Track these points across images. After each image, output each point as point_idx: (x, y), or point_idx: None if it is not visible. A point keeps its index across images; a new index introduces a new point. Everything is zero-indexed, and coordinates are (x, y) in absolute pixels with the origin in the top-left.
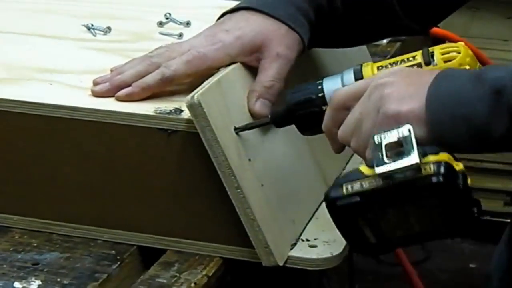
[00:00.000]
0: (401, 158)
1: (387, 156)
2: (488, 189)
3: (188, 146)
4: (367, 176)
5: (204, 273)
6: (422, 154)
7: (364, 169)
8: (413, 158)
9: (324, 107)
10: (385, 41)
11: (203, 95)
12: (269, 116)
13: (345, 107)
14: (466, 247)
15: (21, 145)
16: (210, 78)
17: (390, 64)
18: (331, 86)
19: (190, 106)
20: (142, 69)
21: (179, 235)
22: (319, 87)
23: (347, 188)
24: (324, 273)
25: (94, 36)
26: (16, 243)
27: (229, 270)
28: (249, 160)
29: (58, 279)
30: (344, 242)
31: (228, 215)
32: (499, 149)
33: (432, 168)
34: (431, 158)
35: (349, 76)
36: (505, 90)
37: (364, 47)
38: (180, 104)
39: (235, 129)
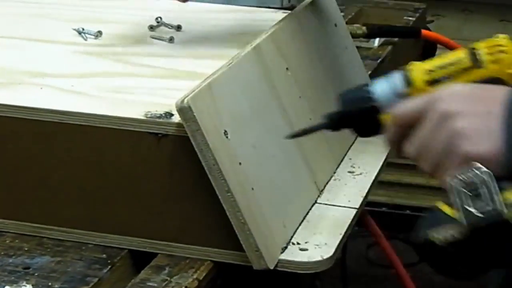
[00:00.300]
0: (485, 204)
1: (468, 202)
2: None
3: (179, 150)
4: (452, 219)
5: (195, 276)
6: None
7: (445, 208)
8: (497, 206)
9: (373, 106)
10: (376, 44)
11: (193, 99)
12: (324, 121)
13: (408, 125)
14: None
15: (12, 149)
16: (200, 82)
17: (439, 68)
18: (381, 90)
19: (180, 110)
20: None
21: (170, 239)
22: (368, 90)
23: (438, 238)
24: (317, 275)
25: (85, 40)
26: (7, 247)
27: (220, 274)
28: (240, 163)
29: (49, 283)
30: (335, 245)
31: (218, 219)
32: None
33: None
34: (508, 195)
35: (399, 80)
36: None
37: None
38: (171, 108)
39: (291, 136)
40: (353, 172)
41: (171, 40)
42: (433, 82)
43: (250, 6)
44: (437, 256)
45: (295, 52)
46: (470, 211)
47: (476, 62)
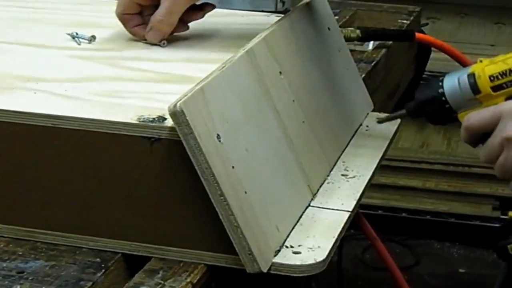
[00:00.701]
0: None
1: None
2: (477, 194)
3: (172, 154)
4: None
5: (188, 280)
6: None
7: None
8: None
9: (443, 98)
10: (370, 47)
11: (185, 103)
12: (405, 110)
13: (479, 133)
14: (455, 252)
15: (5, 154)
16: (193, 86)
17: (501, 74)
18: (449, 84)
19: (173, 114)
20: None
21: (163, 243)
22: (440, 84)
23: None
24: (314, 278)
25: (79, 44)
26: (1, 251)
27: (214, 277)
28: (233, 167)
29: (43, 287)
30: (328, 248)
31: (212, 222)
32: None
33: None
34: None
35: (464, 77)
36: None
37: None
38: (164, 112)
39: (379, 120)
40: (346, 175)
41: (164, 44)
42: (498, 88)
43: (244, 10)
44: None
45: (288, 55)
46: None
47: None
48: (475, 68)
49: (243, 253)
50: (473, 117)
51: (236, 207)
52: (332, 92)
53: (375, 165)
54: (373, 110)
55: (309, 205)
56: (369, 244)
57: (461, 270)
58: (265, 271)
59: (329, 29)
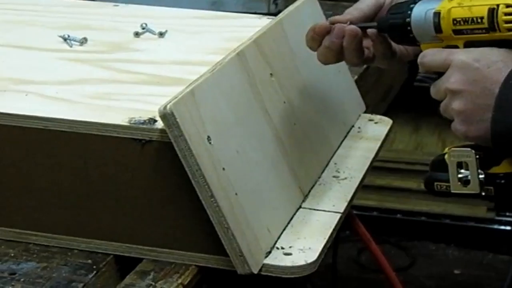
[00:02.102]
0: (467, 182)
1: (458, 168)
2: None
3: (162, 155)
4: (447, 179)
5: (179, 281)
6: (487, 164)
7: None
8: (475, 187)
9: (408, 28)
10: None
11: (176, 105)
12: (376, 23)
13: (428, 70)
14: (450, 253)
15: None
16: (184, 88)
17: (463, 20)
18: (417, 16)
19: (163, 116)
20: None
21: (154, 244)
22: (409, 12)
23: (437, 186)
24: (309, 279)
25: (71, 47)
26: None
27: (205, 279)
28: (223, 169)
29: None
30: (319, 250)
31: (203, 224)
32: None
33: (491, 191)
34: (494, 169)
35: (430, 16)
36: None
37: None
38: (154, 114)
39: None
40: (338, 176)
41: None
42: (458, 32)
43: (237, 11)
44: (435, 194)
45: (279, 57)
46: (456, 178)
47: (492, 24)
48: (442, 5)
49: (234, 255)
50: (427, 57)
51: (226, 209)
52: (323, 94)
53: (366, 167)
54: (366, 112)
55: (300, 206)
56: (364, 246)
57: (456, 271)
58: (256, 272)
59: None
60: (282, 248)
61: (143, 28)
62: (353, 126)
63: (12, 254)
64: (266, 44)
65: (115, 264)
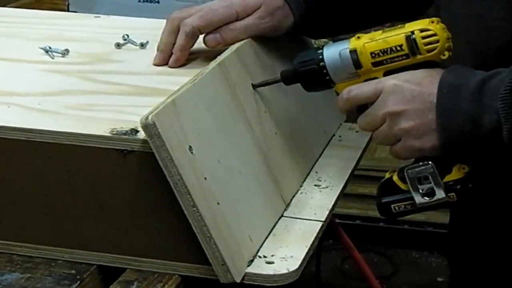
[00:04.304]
0: (432, 193)
1: (420, 187)
2: None
3: (145, 166)
4: (406, 196)
5: None
6: (440, 175)
7: (398, 182)
8: (441, 194)
9: (324, 70)
10: None
11: (157, 116)
12: (279, 75)
13: (356, 104)
14: (433, 261)
15: None
16: (165, 99)
17: (382, 52)
18: (329, 52)
19: (145, 127)
20: (170, 38)
21: (138, 254)
22: (320, 52)
23: (394, 208)
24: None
25: (52, 58)
26: None
27: None
28: (205, 178)
29: None
30: (301, 258)
31: (185, 233)
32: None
33: (455, 197)
34: (450, 177)
35: (345, 45)
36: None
37: None
38: (136, 124)
39: (253, 85)
40: (319, 185)
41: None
42: (378, 64)
43: None
44: (393, 217)
45: (260, 67)
46: (421, 198)
47: (413, 49)
48: (355, 43)
49: (217, 264)
50: (353, 91)
51: (209, 218)
52: (304, 103)
53: (347, 175)
54: (347, 121)
55: (282, 215)
56: (348, 254)
57: (439, 279)
58: (238, 281)
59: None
60: (265, 256)
61: (125, 40)
62: (334, 135)
63: None
64: (247, 54)
65: (99, 274)
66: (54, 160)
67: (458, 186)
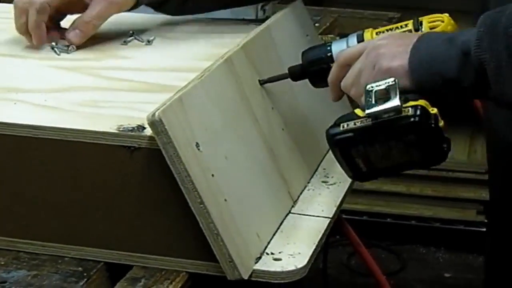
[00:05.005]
0: (387, 102)
1: (375, 101)
2: (461, 199)
3: (151, 162)
4: (359, 117)
5: None
6: (404, 100)
7: (358, 112)
8: (395, 102)
9: (331, 65)
10: None
11: (164, 112)
12: (287, 71)
13: (348, 64)
14: (440, 257)
15: None
16: (172, 95)
17: (386, 30)
18: (338, 48)
19: (152, 124)
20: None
21: (145, 251)
22: (328, 48)
23: (343, 126)
24: (299, 284)
25: (58, 55)
26: None
27: (195, 285)
28: (212, 175)
29: None
30: (308, 255)
31: (192, 230)
32: (468, 97)
33: (410, 110)
34: (411, 103)
35: (353, 39)
36: (470, 52)
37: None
38: (143, 121)
39: (260, 81)
40: (326, 182)
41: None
42: None
43: (225, 18)
44: (340, 142)
45: (267, 63)
46: (374, 106)
47: (417, 27)
48: (362, 32)
49: (224, 261)
50: (344, 52)
51: (216, 215)
52: (311, 99)
53: None
54: None
55: (289, 212)
56: (354, 250)
57: (446, 275)
58: (246, 278)
59: (307, 36)
60: (272, 253)
61: (131, 36)
62: None
63: (3, 263)
64: (254, 50)
65: (106, 271)
66: (61, 157)
67: (419, 107)
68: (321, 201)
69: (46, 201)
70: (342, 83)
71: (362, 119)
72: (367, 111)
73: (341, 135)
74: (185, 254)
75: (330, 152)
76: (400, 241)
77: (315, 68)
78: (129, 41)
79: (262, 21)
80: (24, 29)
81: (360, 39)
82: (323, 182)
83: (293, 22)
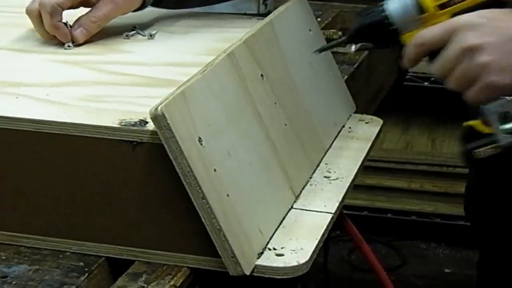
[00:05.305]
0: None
1: (501, 122)
2: (461, 194)
3: (154, 157)
4: (488, 135)
5: (172, 283)
6: None
7: (482, 128)
8: None
9: (387, 21)
10: (353, 49)
11: (167, 107)
12: (345, 36)
13: (429, 49)
14: (441, 252)
15: None
16: (174, 90)
17: None
18: (394, 11)
19: (154, 118)
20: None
21: (146, 246)
22: (382, 8)
23: (480, 152)
24: (300, 280)
25: (65, 49)
26: None
27: (197, 280)
28: (215, 170)
29: None
30: (311, 250)
31: (194, 225)
32: None
33: None
34: None
35: (411, 5)
36: None
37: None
38: (145, 115)
39: (315, 51)
40: (329, 177)
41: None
42: (442, 6)
43: (227, 12)
44: (479, 163)
45: (270, 58)
46: (504, 130)
47: None
48: None
49: (226, 256)
50: (426, 34)
51: (218, 210)
52: (314, 94)
53: (357, 167)
54: (356, 112)
55: (292, 207)
56: (355, 246)
57: (447, 270)
58: (248, 273)
59: (310, 30)
60: (274, 249)
61: (133, 30)
62: (343, 126)
63: (4, 257)
64: (257, 45)
65: (107, 266)
66: (63, 151)
67: None
68: (324, 196)
69: (48, 195)
70: (432, 69)
71: (494, 147)
72: (501, 141)
73: (479, 161)
74: (187, 249)
75: (332, 147)
76: (400, 237)
77: (370, 26)
78: (131, 35)
79: (264, 15)
80: (46, 34)
81: (419, 6)
82: (325, 177)
83: (296, 17)
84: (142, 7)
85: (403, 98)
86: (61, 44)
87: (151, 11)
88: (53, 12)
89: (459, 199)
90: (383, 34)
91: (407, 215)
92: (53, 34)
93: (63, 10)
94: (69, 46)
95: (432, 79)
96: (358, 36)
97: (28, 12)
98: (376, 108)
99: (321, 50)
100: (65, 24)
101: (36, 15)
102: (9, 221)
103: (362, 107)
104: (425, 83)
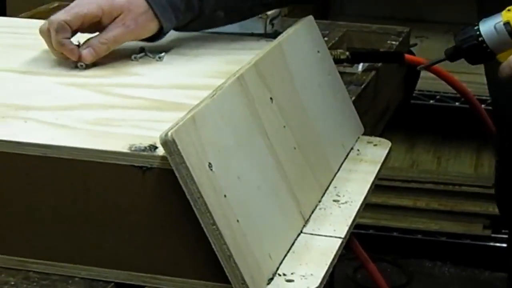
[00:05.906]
0: None
1: None
2: (467, 213)
3: (164, 183)
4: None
5: None
6: None
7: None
8: None
9: (483, 45)
10: (360, 68)
11: (177, 132)
12: (443, 53)
13: None
14: (446, 271)
15: None
16: (184, 115)
17: None
18: (488, 33)
19: (164, 143)
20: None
21: (156, 271)
22: (478, 33)
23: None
24: None
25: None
26: None
27: None
28: (225, 196)
29: None
30: (321, 276)
31: (204, 251)
32: None
33: None
34: None
35: (502, 27)
36: None
37: None
38: (155, 140)
39: (421, 68)
40: (338, 200)
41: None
42: None
43: (233, 33)
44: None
45: (279, 81)
46: None
47: None
48: (507, 16)
49: (236, 282)
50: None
51: (228, 236)
52: (322, 117)
53: (366, 190)
54: (364, 133)
55: (301, 232)
56: (360, 264)
57: None
58: None
59: (318, 52)
60: (284, 274)
61: (141, 52)
62: (352, 148)
63: (13, 283)
64: (266, 68)
65: None
66: (72, 176)
67: None
68: (333, 220)
69: (57, 220)
70: None
71: None
72: None
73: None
74: (197, 275)
75: (341, 170)
76: (406, 255)
77: (469, 49)
78: (140, 57)
79: (271, 35)
80: (56, 51)
81: (509, 28)
82: (334, 201)
83: (304, 38)
84: (159, 34)
85: (409, 116)
86: (74, 63)
87: None
88: (59, 28)
89: (464, 217)
90: (480, 55)
91: (412, 233)
92: (59, 50)
93: (72, 28)
94: (81, 65)
95: (438, 97)
96: (457, 56)
97: (40, 31)
98: (383, 128)
99: (423, 68)
100: (78, 45)
101: (47, 34)
102: (17, 246)
103: (370, 128)
104: (431, 101)
